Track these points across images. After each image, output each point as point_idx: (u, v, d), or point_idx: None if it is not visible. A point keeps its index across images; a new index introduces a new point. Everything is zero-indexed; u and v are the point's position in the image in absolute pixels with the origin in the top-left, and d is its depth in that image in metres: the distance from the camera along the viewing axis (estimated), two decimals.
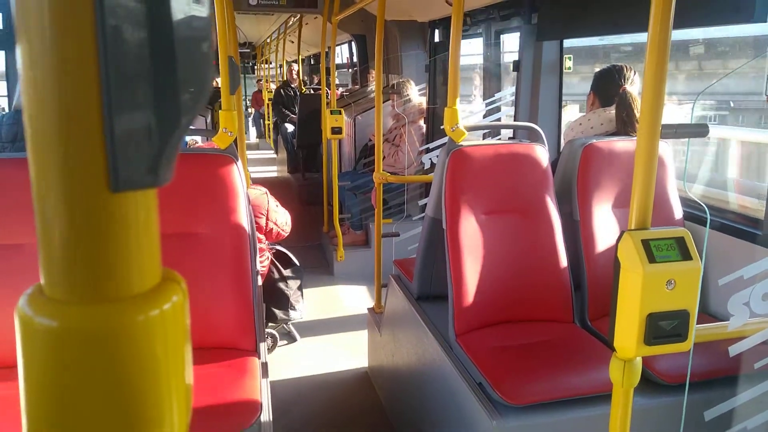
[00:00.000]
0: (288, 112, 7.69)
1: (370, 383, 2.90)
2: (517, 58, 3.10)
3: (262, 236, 2.75)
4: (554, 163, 2.25)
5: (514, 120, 3.13)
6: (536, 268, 2.00)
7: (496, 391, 1.64)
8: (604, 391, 1.53)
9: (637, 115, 2.20)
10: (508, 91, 3.30)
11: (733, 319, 1.29)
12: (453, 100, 2.08)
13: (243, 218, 1.87)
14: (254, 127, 12.49)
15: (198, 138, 4.06)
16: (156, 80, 0.31)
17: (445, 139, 2.14)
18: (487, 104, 3.41)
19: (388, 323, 2.67)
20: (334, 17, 3.88)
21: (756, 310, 1.33)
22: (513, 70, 3.12)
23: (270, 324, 3.13)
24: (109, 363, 0.32)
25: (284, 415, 2.61)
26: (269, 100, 9.84)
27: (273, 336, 3.21)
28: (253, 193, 2.63)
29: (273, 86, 10.92)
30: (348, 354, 3.16)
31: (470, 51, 4.04)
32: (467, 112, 4.00)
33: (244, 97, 11.96)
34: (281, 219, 2.79)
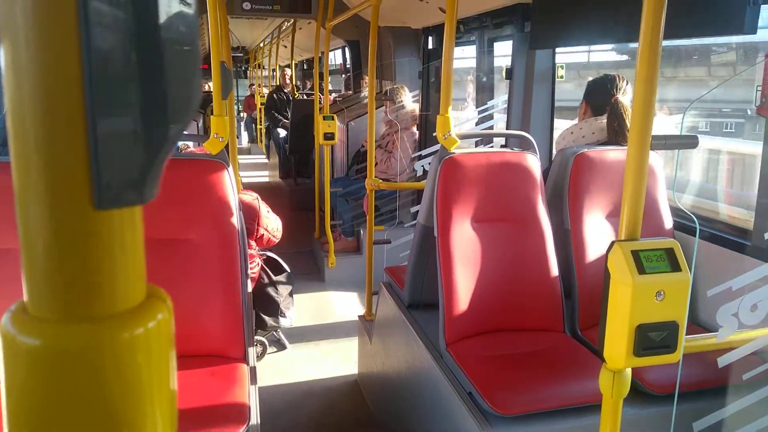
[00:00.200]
0: (280, 117, 7.69)
1: (360, 391, 2.88)
2: (509, 66, 3.12)
3: (252, 242, 2.73)
4: (546, 172, 2.26)
5: (507, 128, 3.14)
6: (527, 277, 2.00)
7: (486, 400, 1.63)
8: (594, 401, 1.53)
9: (628, 124, 2.21)
10: (500, 99, 3.31)
11: (722, 330, 1.29)
12: (446, 107, 2.09)
13: (233, 224, 1.86)
14: (246, 132, 12.47)
15: (190, 143, 4.04)
16: (142, 88, 0.30)
17: (437, 147, 2.14)
18: (480, 111, 3.42)
19: (378, 331, 2.66)
20: (328, 23, 3.88)
21: (745, 321, 1.33)
22: (505, 78, 3.13)
23: (259, 331, 3.11)
24: (93, 382, 0.31)
25: (273, 423, 2.59)
26: (261, 104, 9.83)
27: (262, 343, 3.19)
28: (245, 199, 2.62)
29: (266, 91, 10.91)
30: (338, 362, 3.14)
31: (464, 56, 4.05)
32: (462, 119, 4.02)
33: (236, 101, 11.93)
34: (272, 225, 2.78)
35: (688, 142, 1.23)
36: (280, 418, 2.64)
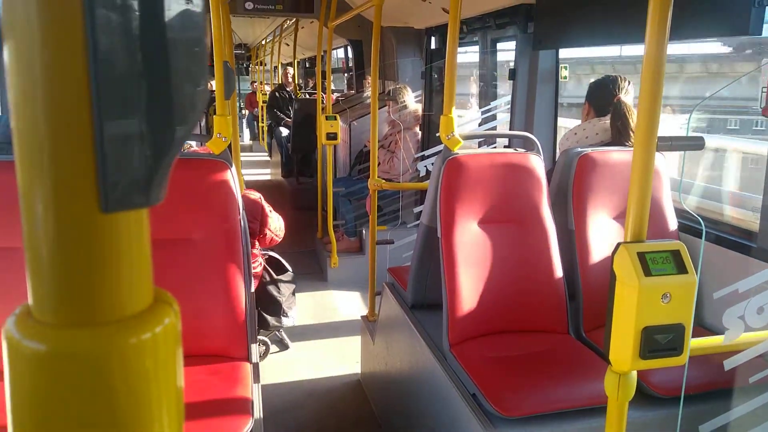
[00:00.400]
0: (283, 116, 7.68)
1: (363, 391, 2.88)
2: (512, 66, 3.11)
3: (255, 242, 2.73)
4: (550, 173, 2.25)
5: (510, 128, 3.13)
6: (531, 278, 2.00)
7: (489, 402, 1.62)
8: (599, 403, 1.52)
9: (632, 124, 2.21)
10: (503, 100, 3.30)
11: (728, 332, 1.28)
12: (449, 108, 2.08)
13: (236, 224, 1.86)
14: (248, 129, 12.47)
15: (192, 142, 4.04)
16: (148, 89, 0.30)
17: (440, 147, 2.13)
18: (483, 112, 3.41)
19: (381, 331, 2.66)
20: (331, 22, 3.88)
21: (751, 323, 1.32)
22: (509, 79, 3.12)
23: (262, 330, 3.11)
24: (99, 388, 0.31)
25: (275, 422, 2.59)
26: (263, 102, 9.83)
27: (265, 343, 3.19)
28: (247, 198, 2.62)
29: (267, 88, 10.90)
30: (340, 362, 3.14)
31: (467, 56, 4.04)
32: (465, 118, 4.00)
33: (238, 99, 11.93)
34: (275, 224, 2.77)
35: (694, 143, 1.22)
36: (282, 418, 2.64)
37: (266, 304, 3.04)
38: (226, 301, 1.82)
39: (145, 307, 0.33)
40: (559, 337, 1.97)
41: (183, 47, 0.30)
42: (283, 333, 3.28)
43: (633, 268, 1.07)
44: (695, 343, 1.21)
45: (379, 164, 3.89)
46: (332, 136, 4.06)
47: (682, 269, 1.09)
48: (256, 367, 1.85)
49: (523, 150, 2.14)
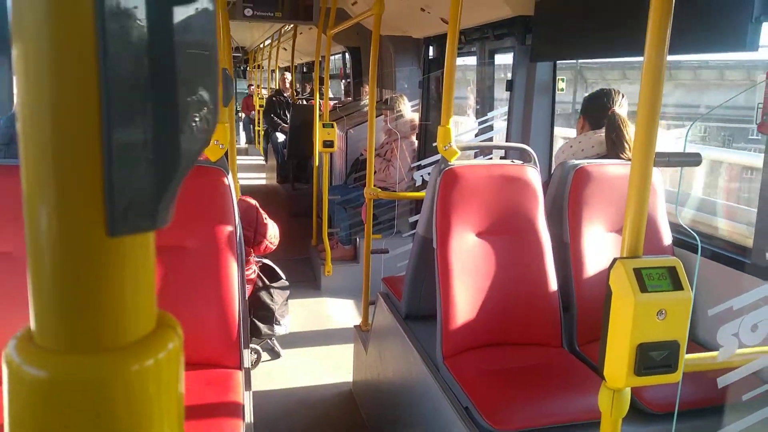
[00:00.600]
0: (279, 121, 7.68)
1: (354, 401, 2.86)
2: (510, 77, 3.12)
3: (249, 249, 2.72)
4: (546, 184, 2.25)
5: (507, 140, 3.13)
6: (526, 291, 1.99)
7: (482, 415, 1.61)
8: (592, 418, 1.52)
9: (626, 136, 2.22)
10: (500, 111, 3.31)
11: (722, 350, 1.28)
12: (446, 118, 2.08)
13: (231, 232, 1.85)
14: (244, 132, 12.48)
15: None
16: (159, 101, 0.29)
17: (437, 156, 2.13)
18: (480, 123, 3.41)
19: (374, 341, 2.64)
20: (329, 30, 3.88)
21: (745, 341, 1.32)
22: (506, 90, 3.13)
23: (254, 339, 3.09)
24: (101, 415, 0.30)
25: (267, 430, 2.57)
26: (260, 106, 9.83)
27: (257, 351, 3.17)
28: (243, 206, 2.60)
29: (264, 92, 10.91)
30: (332, 371, 3.12)
31: (466, 59, 4.04)
32: (461, 123, 4.01)
33: (235, 102, 11.92)
34: (270, 232, 2.76)
35: (691, 159, 1.23)
36: (273, 426, 2.62)
37: (259, 311, 3.02)
38: (219, 310, 1.81)
39: (149, 332, 0.32)
40: (553, 350, 1.96)
41: (195, 55, 0.30)
42: (275, 341, 3.26)
43: (629, 283, 1.07)
44: (690, 360, 1.20)
45: (375, 172, 3.89)
46: (329, 144, 4.06)
47: (677, 286, 1.09)
48: (247, 375, 1.84)
49: (520, 162, 2.14)
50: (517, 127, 3.09)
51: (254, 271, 2.93)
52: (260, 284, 3.01)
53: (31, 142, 0.29)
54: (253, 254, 2.81)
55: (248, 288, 2.84)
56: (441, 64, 2.51)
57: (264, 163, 8.87)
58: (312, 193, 4.77)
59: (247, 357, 1.92)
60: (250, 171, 8.89)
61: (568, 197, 2.11)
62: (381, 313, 2.54)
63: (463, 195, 1.99)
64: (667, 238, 2.16)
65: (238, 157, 3.03)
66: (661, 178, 2.21)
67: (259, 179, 8.44)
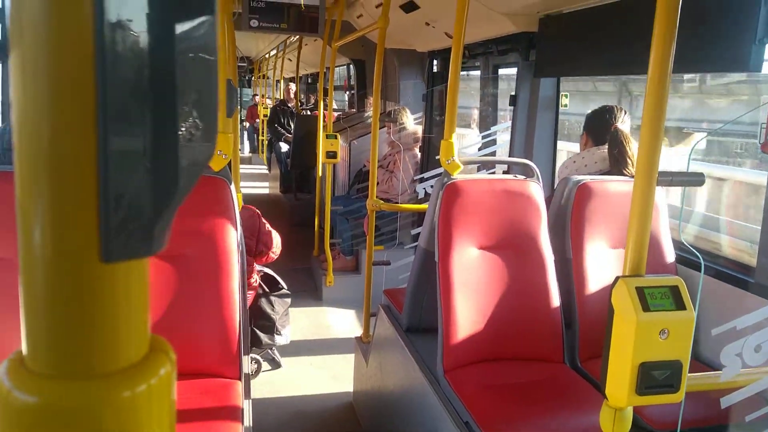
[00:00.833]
0: (283, 131, 7.71)
1: (354, 413, 2.85)
2: (513, 93, 3.13)
3: (251, 259, 2.72)
4: (549, 199, 2.26)
5: (510, 154, 3.14)
6: (527, 306, 1.99)
7: (482, 431, 1.60)
8: None
9: (629, 152, 2.22)
10: (504, 125, 3.32)
11: (726, 370, 1.27)
12: (449, 133, 2.09)
13: (233, 241, 1.85)
14: (248, 141, 12.53)
15: None
16: (159, 112, 0.29)
17: (440, 169, 2.14)
18: (484, 136, 3.43)
19: (375, 353, 2.63)
20: (334, 42, 3.91)
21: (749, 361, 1.32)
22: (510, 105, 3.14)
23: (254, 349, 3.08)
24: None
25: None
26: (264, 116, 9.87)
27: (257, 361, 3.16)
28: (245, 215, 2.61)
29: (269, 102, 10.96)
30: (333, 382, 3.11)
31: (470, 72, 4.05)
32: (467, 139, 4.01)
33: (240, 111, 11.97)
34: (271, 242, 2.76)
35: (694, 179, 1.23)
36: None
37: (260, 321, 3.01)
38: (219, 319, 1.81)
39: (141, 357, 0.32)
40: (555, 366, 1.95)
41: (195, 63, 0.30)
42: (275, 351, 3.25)
43: (631, 302, 1.06)
44: (692, 380, 1.20)
45: (377, 184, 3.90)
46: (332, 155, 4.07)
47: (680, 305, 1.08)
48: (247, 385, 1.84)
49: (523, 177, 2.15)
50: (521, 141, 3.09)
51: (256, 280, 2.93)
52: (261, 294, 3.01)
53: (26, 165, 0.28)
54: (254, 263, 2.81)
55: (249, 297, 2.84)
56: (445, 78, 2.52)
57: (267, 172, 8.89)
58: (314, 204, 4.78)
59: (248, 367, 1.91)
60: (254, 180, 8.91)
61: (570, 213, 2.11)
62: (382, 325, 2.53)
63: (465, 209, 1.99)
64: (670, 256, 2.16)
65: (241, 166, 3.04)
66: (664, 196, 2.22)
67: (263, 188, 8.46)
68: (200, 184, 1.55)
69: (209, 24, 0.30)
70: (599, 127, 2.41)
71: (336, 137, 4.11)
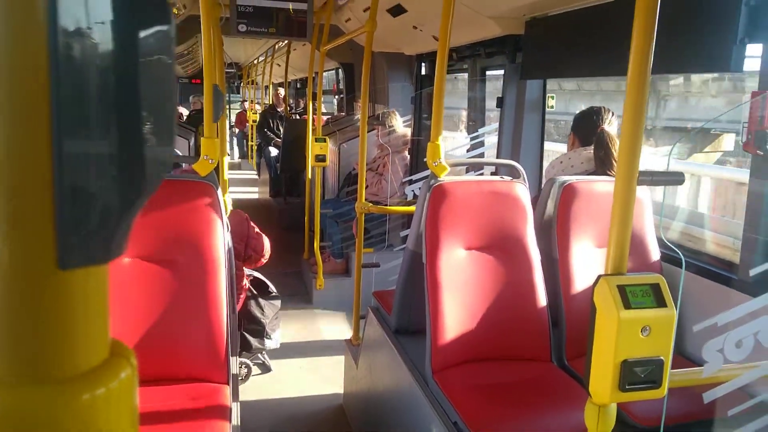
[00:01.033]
0: (272, 136, 7.70)
1: (344, 415, 2.85)
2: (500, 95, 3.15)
3: (240, 263, 2.71)
4: (535, 200, 2.27)
5: (497, 156, 3.16)
6: (515, 306, 2.00)
7: (471, 431, 1.61)
8: None
9: (614, 153, 2.24)
10: (492, 126, 3.34)
11: (707, 366, 1.29)
12: (436, 135, 2.10)
13: (220, 246, 1.85)
14: (237, 147, 12.48)
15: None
16: (114, 118, 0.29)
17: (428, 172, 2.15)
18: (472, 138, 3.45)
19: (365, 356, 2.64)
20: (323, 46, 3.92)
21: (730, 357, 1.33)
22: (497, 107, 3.17)
23: (244, 353, 3.08)
24: None
25: None
26: (254, 122, 9.85)
27: (247, 365, 3.15)
28: (233, 219, 2.61)
29: (258, 107, 10.95)
30: (323, 385, 3.11)
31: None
32: (456, 141, 4.03)
33: (228, 116, 11.92)
34: (260, 246, 2.76)
35: (674, 178, 1.24)
36: None
37: (249, 325, 3.01)
38: (206, 324, 1.81)
39: (101, 361, 0.32)
40: (542, 365, 1.97)
41: (151, 67, 0.30)
42: (265, 355, 3.24)
43: (613, 300, 1.07)
44: (675, 376, 1.21)
45: (367, 186, 3.91)
46: (321, 158, 4.07)
47: (661, 303, 1.09)
48: (236, 389, 1.83)
49: (509, 178, 2.16)
50: (508, 143, 3.11)
51: (245, 284, 2.92)
52: (251, 298, 3.01)
53: None
54: (243, 268, 2.81)
55: (238, 302, 2.83)
56: (433, 80, 2.53)
57: (257, 177, 8.88)
58: (304, 207, 4.78)
59: (236, 371, 1.91)
60: (243, 185, 8.89)
61: (556, 213, 2.13)
62: (371, 327, 2.54)
63: (452, 210, 2.00)
64: (654, 254, 2.18)
65: (231, 172, 3.04)
66: (648, 194, 2.24)
67: (252, 193, 8.44)
68: (187, 189, 1.56)
69: (165, 28, 0.30)
70: (586, 128, 2.43)
71: (325, 140, 4.12)
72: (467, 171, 3.41)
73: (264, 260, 2.81)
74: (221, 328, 1.81)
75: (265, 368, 3.25)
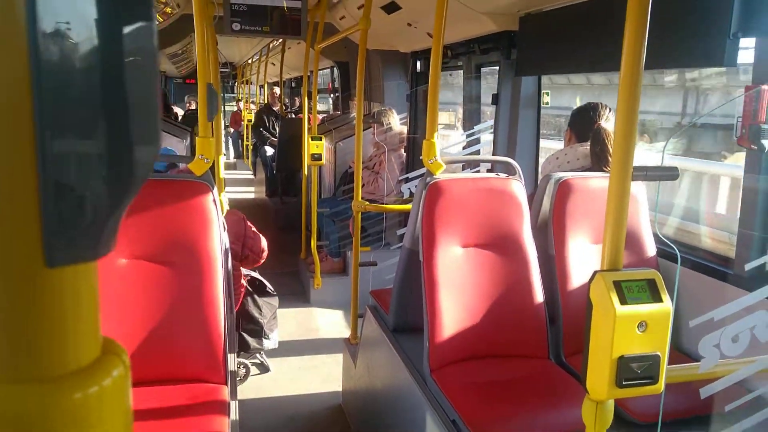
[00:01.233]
0: (268, 135, 7.69)
1: (343, 414, 2.85)
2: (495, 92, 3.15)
3: (237, 263, 2.71)
4: (531, 196, 2.27)
5: (493, 153, 3.16)
6: (512, 303, 2.00)
7: (469, 429, 1.61)
8: (578, 430, 1.52)
9: (610, 149, 2.24)
10: (488, 123, 3.34)
11: (704, 361, 1.29)
12: (431, 133, 2.10)
13: (216, 246, 1.84)
14: (232, 147, 12.46)
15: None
16: (97, 116, 0.29)
17: (425, 169, 2.15)
18: (468, 135, 3.44)
19: (363, 354, 2.64)
20: (317, 45, 3.91)
21: (726, 352, 1.34)
22: (492, 104, 3.16)
23: (242, 353, 3.07)
24: None
25: None
26: (249, 121, 9.83)
27: (245, 365, 3.15)
28: (230, 219, 2.60)
29: (252, 107, 10.93)
30: (321, 384, 3.11)
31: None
32: (451, 138, 4.03)
33: (222, 116, 11.87)
34: (257, 246, 2.76)
35: (668, 174, 1.24)
36: None
37: (247, 325, 3.01)
38: (203, 325, 1.80)
39: (92, 360, 0.32)
40: (540, 362, 1.97)
41: (133, 66, 0.30)
42: (263, 355, 3.24)
43: (609, 296, 1.07)
44: (672, 371, 1.21)
45: (363, 185, 3.90)
46: (317, 157, 4.07)
47: (657, 298, 1.09)
48: (234, 389, 1.83)
49: (505, 175, 2.16)
50: (503, 140, 3.11)
51: (242, 284, 2.92)
52: (249, 298, 3.00)
53: None
54: (240, 268, 2.80)
55: (236, 302, 2.83)
56: (428, 78, 2.53)
57: (253, 177, 8.86)
58: (301, 206, 4.77)
59: (234, 371, 1.91)
60: (239, 185, 8.87)
61: (552, 209, 2.13)
62: (369, 326, 2.53)
63: (448, 208, 2.00)
64: (651, 249, 2.18)
65: (226, 172, 3.02)
66: (644, 190, 2.24)
67: (248, 193, 8.43)
68: (182, 189, 1.55)
69: (147, 25, 0.30)
70: (583, 124, 2.43)
71: (321, 139, 4.11)
72: (463, 168, 3.40)
73: (261, 260, 2.80)
74: (219, 328, 1.81)
75: (264, 368, 3.25)
